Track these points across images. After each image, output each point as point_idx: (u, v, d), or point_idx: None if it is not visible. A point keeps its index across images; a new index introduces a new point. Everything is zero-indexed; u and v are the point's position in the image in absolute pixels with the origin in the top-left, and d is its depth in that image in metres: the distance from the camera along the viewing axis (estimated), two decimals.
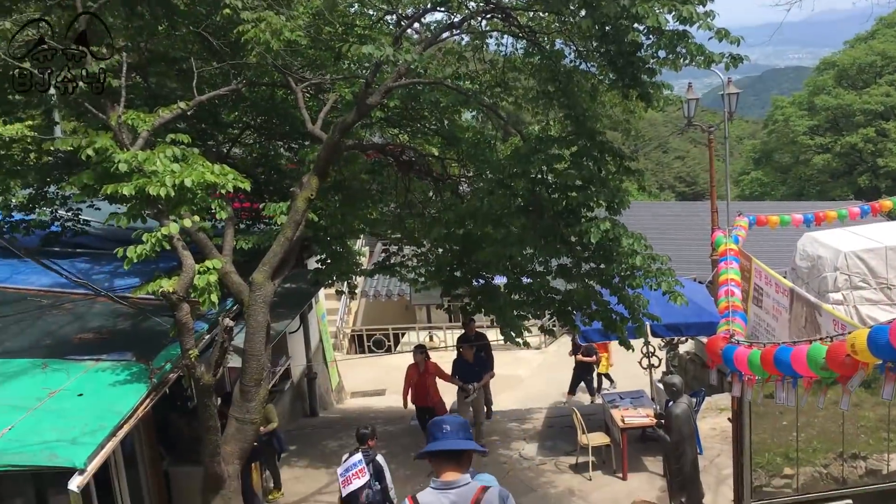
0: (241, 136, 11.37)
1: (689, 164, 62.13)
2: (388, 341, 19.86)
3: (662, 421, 7.69)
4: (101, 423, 6.68)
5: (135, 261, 6.86)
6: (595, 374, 14.62)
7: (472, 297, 10.71)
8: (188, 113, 8.85)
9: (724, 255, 11.99)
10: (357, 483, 8.11)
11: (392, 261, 11.89)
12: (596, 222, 7.27)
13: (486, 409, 12.70)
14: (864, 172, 44.28)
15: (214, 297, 7.04)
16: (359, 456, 8.23)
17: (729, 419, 11.30)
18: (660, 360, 12.16)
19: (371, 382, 17.85)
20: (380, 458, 8.36)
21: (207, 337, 8.51)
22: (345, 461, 8.30)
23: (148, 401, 7.44)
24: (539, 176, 7.96)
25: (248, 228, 11.46)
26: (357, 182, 10.84)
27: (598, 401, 14.49)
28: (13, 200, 11.13)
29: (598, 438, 10.23)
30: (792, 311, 10.87)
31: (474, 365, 11.67)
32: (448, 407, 11.69)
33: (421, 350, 11.66)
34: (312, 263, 13.11)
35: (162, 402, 9.69)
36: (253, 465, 9.90)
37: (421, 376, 11.31)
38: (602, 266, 7.96)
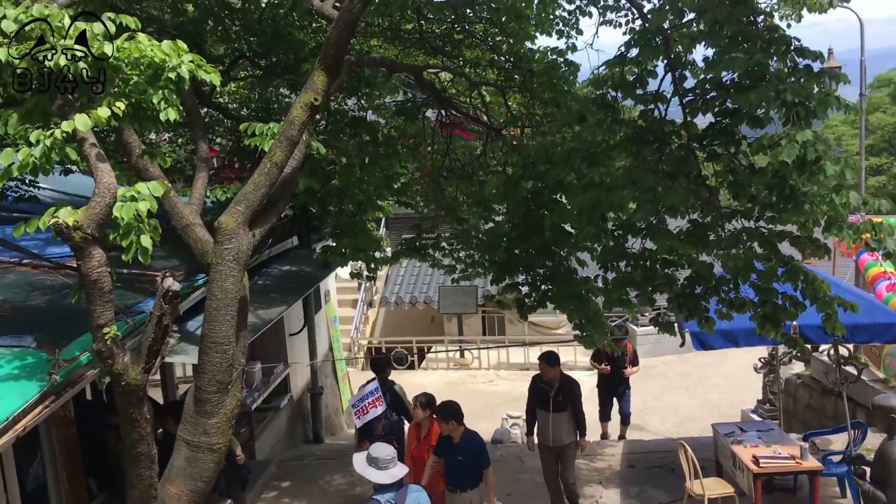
0: (232, 68, 8.61)
1: None
2: (412, 356, 16.94)
3: (864, 467, 4.77)
4: None
5: (14, 173, 4.16)
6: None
7: (534, 287, 7.82)
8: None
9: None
10: (373, 412, 7.53)
11: (423, 241, 8.97)
12: (789, 132, 4.33)
13: None
14: None
15: (146, 241, 4.19)
16: (375, 384, 7.68)
17: None
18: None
19: None
20: (398, 387, 8.00)
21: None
22: (360, 389, 7.79)
23: (40, 409, 4.64)
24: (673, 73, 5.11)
25: None
26: (382, 129, 8.11)
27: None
28: None
29: (717, 486, 7.21)
30: None
31: (458, 450, 6.49)
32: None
33: (427, 402, 7.16)
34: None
35: (92, 415, 6.93)
36: None
37: (422, 443, 7.12)
38: (772, 214, 4.97)
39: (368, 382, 7.70)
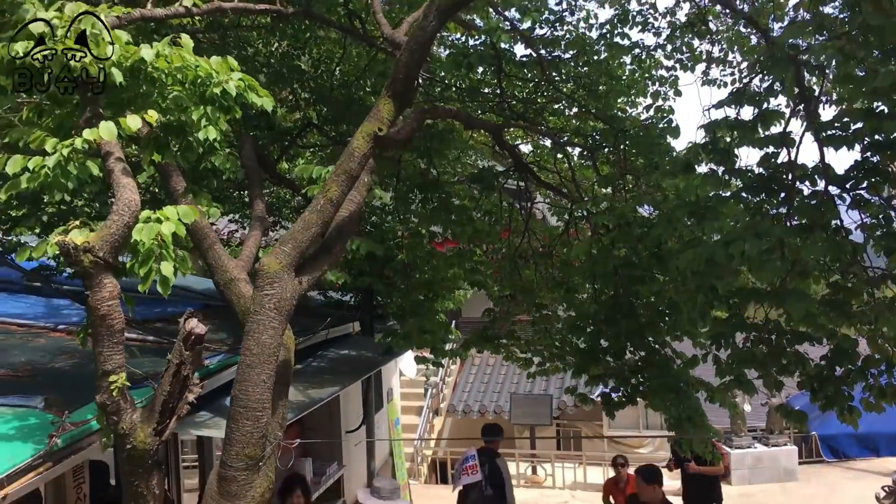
0: (300, 136, 8.11)
1: None
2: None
3: None
4: None
5: (23, 185, 3.58)
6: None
7: (621, 381, 6.75)
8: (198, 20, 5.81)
9: None
10: (465, 480, 7.40)
11: (497, 329, 8.05)
12: None
13: None
14: None
15: (167, 269, 3.46)
16: (472, 450, 7.63)
17: None
18: None
19: None
20: (501, 461, 7.63)
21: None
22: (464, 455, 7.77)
23: (32, 475, 3.82)
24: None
25: None
26: (454, 191, 7.43)
27: None
28: None
29: None
30: None
31: None
32: None
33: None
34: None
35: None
36: None
37: None
38: None
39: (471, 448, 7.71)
